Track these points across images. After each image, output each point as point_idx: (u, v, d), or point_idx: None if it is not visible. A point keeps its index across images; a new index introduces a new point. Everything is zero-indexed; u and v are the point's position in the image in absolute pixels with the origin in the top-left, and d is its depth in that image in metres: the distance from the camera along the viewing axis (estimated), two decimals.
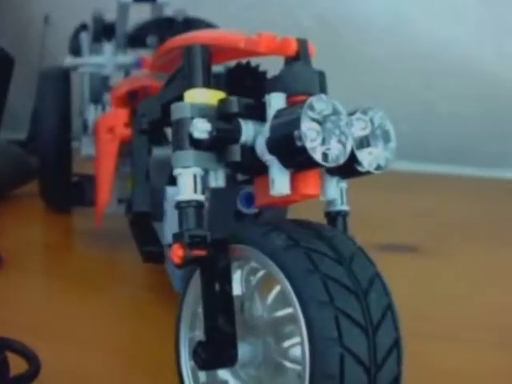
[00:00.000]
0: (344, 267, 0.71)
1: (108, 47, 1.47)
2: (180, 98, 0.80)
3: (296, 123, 0.70)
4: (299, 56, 0.78)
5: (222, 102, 0.77)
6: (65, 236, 1.45)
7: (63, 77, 1.50)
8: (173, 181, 1.13)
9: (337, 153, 0.72)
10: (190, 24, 1.22)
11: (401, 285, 1.18)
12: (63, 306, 1.16)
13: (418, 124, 1.92)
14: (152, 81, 1.27)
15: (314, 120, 0.71)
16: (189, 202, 0.76)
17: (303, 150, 0.70)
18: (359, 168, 0.76)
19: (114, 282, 1.24)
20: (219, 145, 0.76)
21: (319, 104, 0.72)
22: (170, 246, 1.07)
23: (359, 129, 0.75)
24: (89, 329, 1.08)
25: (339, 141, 0.72)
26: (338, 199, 0.84)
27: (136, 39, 1.22)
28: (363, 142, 0.76)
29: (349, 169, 0.76)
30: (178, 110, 0.77)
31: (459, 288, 1.25)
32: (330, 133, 0.72)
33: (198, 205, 0.76)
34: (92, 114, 1.40)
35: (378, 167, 0.76)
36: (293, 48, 0.77)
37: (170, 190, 1.08)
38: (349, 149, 0.73)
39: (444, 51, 1.88)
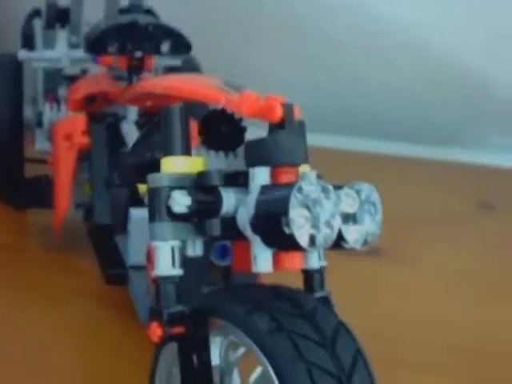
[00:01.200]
0: (327, 350, 0.68)
1: (62, 35, 1.39)
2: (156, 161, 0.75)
3: (284, 209, 0.66)
4: (284, 122, 0.72)
5: (201, 174, 0.72)
6: (18, 236, 1.37)
7: (14, 66, 1.42)
8: (135, 201, 1.10)
9: (325, 237, 0.68)
10: (153, 30, 1.15)
11: (358, 296, 1.17)
12: (13, 322, 1.11)
13: (375, 101, 1.88)
14: (112, 86, 1.20)
15: (302, 205, 0.67)
16: (167, 278, 0.72)
17: (290, 236, 0.66)
18: (344, 244, 0.72)
19: (73, 294, 1.17)
20: (198, 217, 0.72)
21: (308, 187, 0.67)
22: (133, 268, 1.05)
23: (347, 205, 0.71)
24: (41, 351, 1.04)
25: (327, 224, 0.68)
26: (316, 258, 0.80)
27: (97, 45, 1.14)
28: (349, 218, 0.71)
29: (333, 245, 0.72)
30: (154, 180, 0.72)
31: (420, 303, 1.23)
32: (318, 217, 0.67)
33: (177, 280, 0.72)
34: (47, 111, 1.33)
35: (365, 243, 0.72)
36: (278, 114, 0.72)
37: (133, 211, 1.03)
38: (336, 230, 0.69)
39: (403, 31, 1.83)
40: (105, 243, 1.14)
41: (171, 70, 1.36)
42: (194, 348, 0.71)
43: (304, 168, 0.73)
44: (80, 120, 1.19)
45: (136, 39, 1.14)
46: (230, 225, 0.72)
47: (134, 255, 1.04)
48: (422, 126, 1.85)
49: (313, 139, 1.83)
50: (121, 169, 0.85)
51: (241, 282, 0.84)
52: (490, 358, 1.09)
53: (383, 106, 1.88)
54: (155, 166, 0.76)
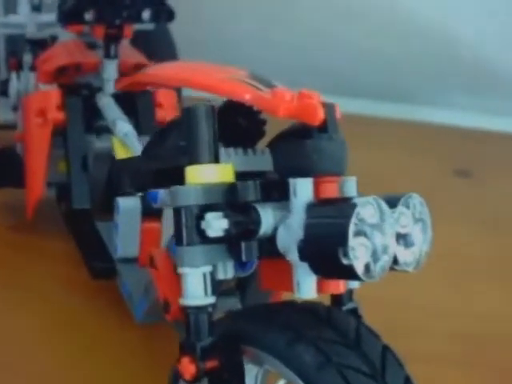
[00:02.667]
0: (378, 382, 0.60)
1: None
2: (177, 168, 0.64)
3: (341, 238, 0.56)
4: (326, 125, 0.62)
5: (235, 188, 0.61)
6: None
7: None
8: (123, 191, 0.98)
9: (383, 265, 0.58)
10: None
11: None
12: None
13: (340, 60, 1.77)
14: (86, 56, 1.08)
15: (361, 232, 0.57)
16: (199, 308, 0.61)
17: (348, 267, 0.56)
18: (395, 267, 0.62)
19: (50, 285, 1.05)
20: (234, 240, 0.61)
21: (367, 211, 0.57)
22: (122, 261, 0.94)
23: (401, 226, 0.61)
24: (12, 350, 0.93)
25: (386, 251, 0.58)
26: None
27: (72, 14, 1.01)
28: (401, 238, 0.61)
29: None
30: (180, 196, 0.61)
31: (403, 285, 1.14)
32: (377, 244, 0.58)
33: (210, 309, 0.62)
34: (14, 80, 1.18)
35: (417, 265, 0.62)
36: (319, 116, 0.61)
37: (122, 202, 0.91)
38: (393, 255, 0.59)
39: None
40: (85, 230, 1.02)
41: (142, 34, 1.23)
42: (228, 382, 0.61)
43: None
44: (54, 94, 1.06)
45: (115, 6, 1.01)
46: (267, 247, 0.61)
47: (122, 247, 0.93)
48: (387, 84, 1.76)
49: None
50: (132, 175, 0.72)
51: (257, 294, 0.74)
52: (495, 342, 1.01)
53: (348, 64, 1.77)
54: (176, 173, 0.65)
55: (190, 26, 1.17)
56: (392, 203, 0.60)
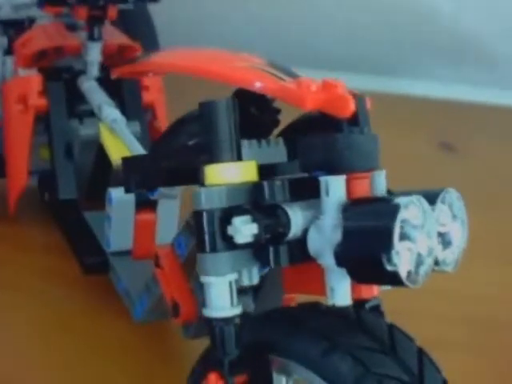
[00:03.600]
0: None
1: None
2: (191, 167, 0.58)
3: (386, 243, 0.50)
4: (357, 118, 0.56)
5: (261, 188, 0.55)
6: None
7: None
8: (114, 180, 0.92)
9: (427, 269, 0.53)
10: None
11: None
12: None
13: (313, 31, 1.71)
14: (67, 39, 1.00)
15: (405, 236, 0.51)
16: (226, 320, 0.55)
17: (393, 273, 0.51)
18: (434, 267, 0.56)
19: (35, 279, 0.97)
20: (262, 245, 0.55)
21: (411, 211, 0.52)
22: (115, 254, 0.88)
23: (440, 224, 0.55)
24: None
25: (430, 253, 0.53)
26: None
27: None
28: (441, 238, 0.56)
29: None
30: (202, 199, 0.55)
31: None
32: (422, 247, 0.52)
33: (237, 320, 0.56)
34: None
35: (456, 264, 0.57)
36: (350, 108, 0.56)
37: (114, 193, 0.85)
38: (435, 257, 0.54)
39: None
40: (73, 222, 0.96)
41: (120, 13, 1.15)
42: None
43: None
44: (35, 79, 0.99)
45: None
46: (297, 250, 0.56)
47: (115, 240, 0.87)
48: (365, 56, 1.70)
49: None
50: (140, 174, 0.65)
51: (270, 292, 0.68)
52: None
53: (325, 37, 1.71)
54: (190, 173, 0.59)
55: (168, 1, 1.10)
56: (430, 200, 0.55)
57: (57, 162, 0.97)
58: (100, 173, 0.99)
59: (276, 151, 0.64)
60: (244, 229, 0.53)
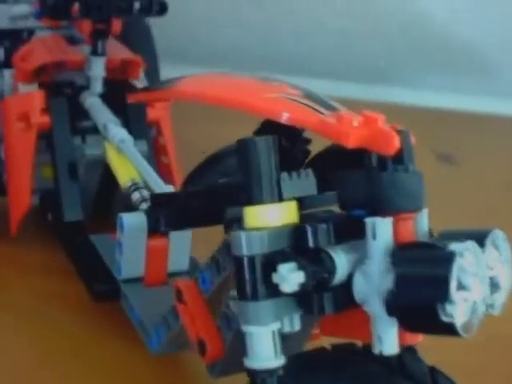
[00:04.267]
0: None
1: None
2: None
3: (442, 293, 0.47)
4: (402, 156, 0.53)
5: (303, 231, 0.52)
6: None
7: None
8: (126, 205, 0.88)
9: (480, 318, 0.50)
10: None
11: None
12: None
13: (306, 40, 1.68)
14: (70, 54, 0.96)
15: (462, 286, 0.48)
16: (271, 371, 0.52)
17: (447, 325, 0.48)
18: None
19: (37, 304, 0.92)
20: (307, 293, 0.52)
21: (466, 258, 0.49)
22: (127, 281, 0.84)
23: (489, 268, 0.52)
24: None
25: (484, 301, 0.50)
26: None
27: (58, 8, 0.89)
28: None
29: None
30: (242, 244, 0.51)
31: None
32: (477, 296, 0.49)
33: (280, 371, 0.52)
34: None
35: (502, 308, 0.54)
36: (395, 145, 0.52)
37: (126, 218, 0.81)
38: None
39: None
40: (80, 246, 0.92)
41: None
42: None
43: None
44: (37, 96, 0.95)
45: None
46: (342, 296, 0.52)
47: (126, 267, 0.83)
48: (356, 65, 1.67)
49: None
50: (170, 213, 0.61)
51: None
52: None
53: (315, 45, 1.68)
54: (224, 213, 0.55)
55: None
56: (478, 242, 0.52)
57: (61, 182, 0.93)
58: (105, 193, 0.96)
59: (306, 183, 0.60)
60: (291, 277, 0.49)
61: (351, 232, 0.53)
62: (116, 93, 0.97)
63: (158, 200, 0.64)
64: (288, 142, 0.62)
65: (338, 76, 1.65)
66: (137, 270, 0.83)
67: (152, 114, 0.97)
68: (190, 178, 0.62)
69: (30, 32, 1.05)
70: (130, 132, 0.91)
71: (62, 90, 0.97)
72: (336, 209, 0.60)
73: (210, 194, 0.58)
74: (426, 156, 1.41)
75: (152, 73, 1.11)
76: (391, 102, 1.61)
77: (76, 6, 0.89)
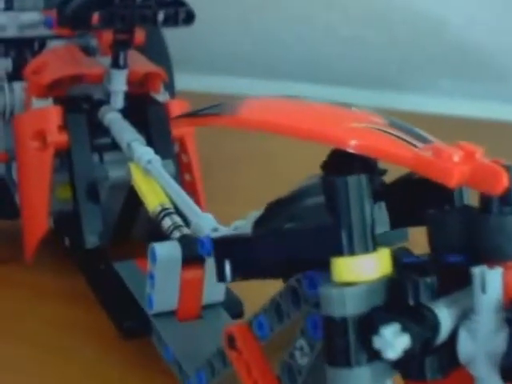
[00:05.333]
0: None
1: None
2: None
3: None
4: (510, 197, 0.45)
5: (402, 285, 0.44)
6: None
7: None
8: (149, 229, 0.81)
9: None
10: None
11: None
12: None
13: (319, 47, 1.60)
14: (88, 66, 0.88)
15: None
16: None
17: None
18: None
19: (53, 333, 0.84)
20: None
21: None
22: (159, 316, 0.76)
23: None
24: None
25: None
26: None
27: (78, 18, 0.81)
28: None
29: None
30: (334, 303, 0.44)
31: None
32: None
33: None
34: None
35: None
36: (503, 185, 0.45)
37: (158, 249, 0.73)
38: None
39: None
40: (103, 275, 0.84)
41: None
42: None
43: None
44: (53, 112, 0.86)
45: (125, 8, 0.82)
46: (444, 357, 0.45)
47: (159, 301, 0.75)
48: (369, 70, 1.60)
49: (245, 85, 1.53)
50: (239, 260, 0.53)
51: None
52: None
53: (329, 52, 1.60)
54: (309, 263, 0.47)
55: None
56: None
57: (81, 204, 0.85)
58: (127, 216, 0.87)
59: (379, 219, 0.53)
60: (397, 342, 0.42)
61: (449, 281, 0.46)
62: (137, 107, 0.89)
63: (222, 245, 0.55)
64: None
65: (349, 83, 1.57)
66: (169, 303, 0.75)
67: (176, 129, 0.89)
68: (266, 219, 0.54)
69: (43, 42, 0.96)
70: (155, 150, 0.83)
71: (79, 105, 0.88)
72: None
73: (287, 241, 0.49)
74: None
75: (166, 85, 1.03)
76: (404, 109, 1.54)
77: (96, 15, 0.81)
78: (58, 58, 0.90)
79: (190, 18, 0.85)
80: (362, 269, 0.44)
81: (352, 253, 0.44)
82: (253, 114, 0.51)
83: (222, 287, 0.77)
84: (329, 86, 1.57)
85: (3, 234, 0.98)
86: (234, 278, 0.54)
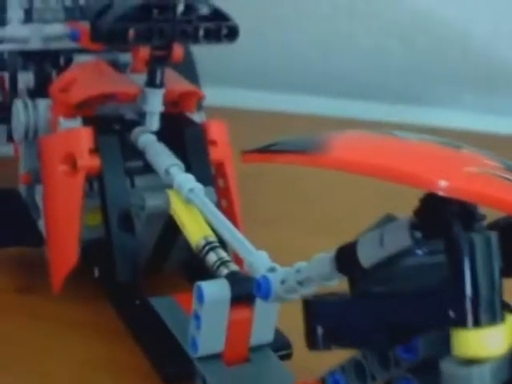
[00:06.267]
0: None
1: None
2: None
3: None
4: None
5: None
6: None
7: None
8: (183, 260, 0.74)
9: None
10: (186, 10, 0.75)
11: None
12: None
13: (339, 59, 1.53)
14: (121, 85, 0.81)
15: None
16: None
17: None
18: None
19: (81, 370, 0.76)
20: None
21: None
22: (203, 359, 0.69)
23: None
24: None
25: None
26: None
27: (114, 33, 0.73)
28: None
29: None
30: (460, 382, 0.37)
31: None
32: None
33: None
34: (21, 111, 0.87)
35: None
36: None
37: (206, 288, 0.66)
38: None
39: None
40: (138, 312, 0.76)
41: None
42: None
43: None
44: (84, 134, 0.79)
45: (165, 22, 0.75)
46: None
47: (205, 344, 0.68)
48: (389, 83, 1.53)
49: (263, 99, 1.46)
50: (334, 324, 0.46)
51: None
52: None
53: (350, 65, 1.53)
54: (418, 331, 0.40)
55: None
56: None
57: (114, 234, 0.77)
58: (164, 246, 0.80)
59: None
60: None
61: None
62: (172, 129, 0.82)
63: (314, 307, 0.48)
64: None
65: (367, 96, 1.51)
66: (215, 345, 0.68)
67: (215, 154, 0.82)
68: (368, 279, 0.47)
69: (69, 57, 0.89)
70: (192, 175, 0.76)
71: (111, 126, 0.81)
72: None
73: (393, 307, 0.42)
74: None
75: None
76: (424, 124, 1.47)
77: (133, 30, 0.74)
78: (87, 75, 0.83)
79: (233, 33, 0.78)
80: (491, 343, 0.37)
81: (478, 324, 0.37)
82: (347, 154, 0.44)
83: (271, 327, 0.70)
84: (348, 99, 1.50)
85: (25, 260, 0.90)
86: (327, 346, 0.47)
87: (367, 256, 0.51)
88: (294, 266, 0.61)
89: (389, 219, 0.56)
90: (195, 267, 0.76)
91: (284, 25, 1.53)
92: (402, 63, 1.52)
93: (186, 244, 0.74)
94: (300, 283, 0.60)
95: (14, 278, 0.88)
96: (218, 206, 0.83)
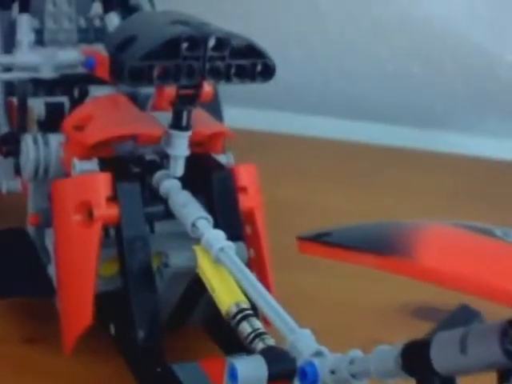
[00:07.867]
0: None
1: (25, 19, 0.86)
2: None
3: None
4: None
5: None
6: None
7: None
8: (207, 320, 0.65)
9: None
10: (218, 46, 0.65)
11: None
12: None
13: (363, 82, 1.44)
14: (144, 126, 0.71)
15: None
16: None
17: None
18: None
19: None
20: None
21: None
22: None
23: None
24: None
25: None
26: None
27: (140, 72, 0.64)
28: None
29: None
30: None
31: None
32: None
33: None
34: (30, 146, 0.77)
35: None
36: None
37: (240, 366, 0.57)
38: None
39: (395, 8, 1.38)
40: (159, 378, 0.67)
41: None
42: None
43: None
44: (102, 181, 0.69)
45: (194, 60, 0.65)
46: None
47: None
48: (412, 106, 1.44)
49: (284, 122, 1.37)
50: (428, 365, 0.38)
51: None
52: None
53: (371, 87, 1.44)
54: None
55: None
56: None
57: (133, 293, 0.68)
58: (186, 305, 0.71)
59: None
60: None
61: None
62: (198, 173, 0.72)
63: (411, 350, 0.40)
64: None
65: (389, 120, 1.42)
66: None
67: (245, 202, 0.73)
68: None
69: (85, 90, 0.79)
70: (220, 226, 0.67)
71: (130, 170, 0.72)
72: None
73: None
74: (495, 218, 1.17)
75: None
76: (447, 149, 1.38)
77: (159, 68, 0.64)
78: (105, 112, 0.73)
79: (269, 72, 0.69)
80: None
81: None
82: (440, 264, 0.35)
83: None
84: (369, 122, 1.41)
85: (32, 309, 0.81)
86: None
87: (444, 362, 0.42)
88: (347, 355, 0.52)
89: (465, 312, 0.47)
90: (220, 325, 0.67)
91: (307, 43, 1.44)
92: (425, 86, 1.43)
93: (211, 298, 0.65)
94: (354, 376, 0.51)
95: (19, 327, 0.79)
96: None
